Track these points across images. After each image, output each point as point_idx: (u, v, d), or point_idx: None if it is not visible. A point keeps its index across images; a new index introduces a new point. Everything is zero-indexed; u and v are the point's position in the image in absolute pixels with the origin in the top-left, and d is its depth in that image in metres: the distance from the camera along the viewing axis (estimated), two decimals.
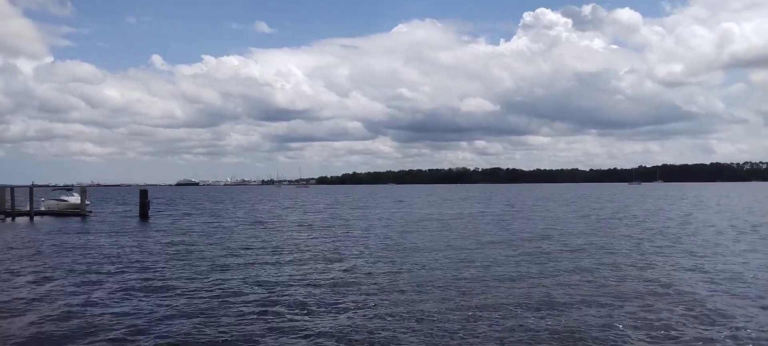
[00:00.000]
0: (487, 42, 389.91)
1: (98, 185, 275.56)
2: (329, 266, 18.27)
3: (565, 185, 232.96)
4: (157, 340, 10.19)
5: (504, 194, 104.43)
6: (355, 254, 20.95)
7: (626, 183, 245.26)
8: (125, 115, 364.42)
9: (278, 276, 16.35)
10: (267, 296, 13.53)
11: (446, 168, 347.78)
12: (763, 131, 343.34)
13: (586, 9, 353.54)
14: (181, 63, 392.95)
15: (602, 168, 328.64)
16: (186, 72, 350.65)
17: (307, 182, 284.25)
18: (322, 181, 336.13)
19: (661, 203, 64.02)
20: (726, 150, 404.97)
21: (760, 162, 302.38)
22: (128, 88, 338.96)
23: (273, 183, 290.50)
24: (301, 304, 12.74)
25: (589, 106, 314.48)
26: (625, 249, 21.69)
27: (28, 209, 41.58)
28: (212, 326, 10.97)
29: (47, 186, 72.05)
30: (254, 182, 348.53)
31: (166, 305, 12.66)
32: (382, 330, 10.57)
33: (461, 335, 10.27)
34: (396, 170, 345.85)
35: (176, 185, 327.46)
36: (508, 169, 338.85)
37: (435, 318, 11.33)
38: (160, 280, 15.80)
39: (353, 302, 12.90)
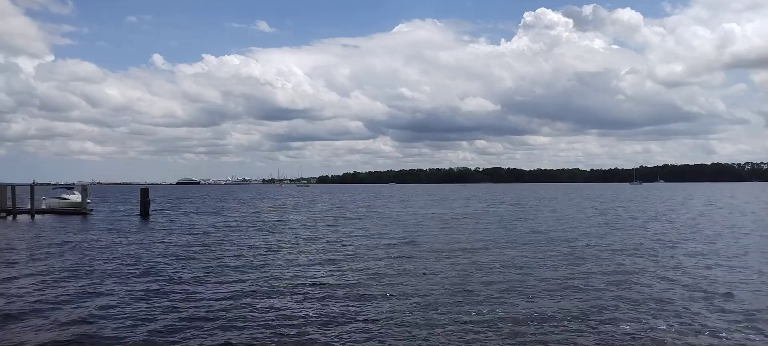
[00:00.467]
0: (488, 42, 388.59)
1: (99, 184, 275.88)
2: (350, 265, 17.89)
3: (569, 185, 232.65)
4: (160, 339, 9.88)
5: (510, 194, 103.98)
6: (388, 255, 20.58)
7: (628, 183, 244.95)
8: (126, 114, 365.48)
9: (288, 276, 16.00)
10: (280, 296, 13.20)
11: (447, 168, 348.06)
12: (764, 132, 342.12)
13: (587, 9, 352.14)
14: (182, 62, 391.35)
15: (603, 168, 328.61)
16: (187, 71, 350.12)
17: (309, 181, 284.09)
18: (323, 180, 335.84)
19: (671, 202, 63.57)
20: (727, 150, 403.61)
21: (761, 162, 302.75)
22: (129, 87, 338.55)
23: (274, 182, 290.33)
24: (318, 309, 12.36)
25: (590, 106, 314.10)
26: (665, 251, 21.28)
27: (29, 207, 41.62)
28: (216, 325, 10.64)
29: (48, 185, 72.01)
30: (255, 181, 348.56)
31: (167, 305, 12.32)
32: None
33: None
34: (396, 170, 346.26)
35: (177, 183, 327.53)
36: (508, 169, 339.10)
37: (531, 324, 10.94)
38: (161, 279, 15.49)
39: (380, 310, 12.52)
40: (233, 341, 9.82)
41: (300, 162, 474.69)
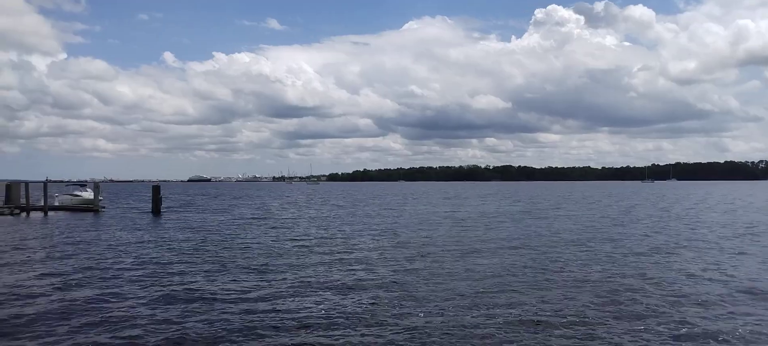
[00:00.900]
0: (498, 39, 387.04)
1: (111, 181, 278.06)
2: (374, 267, 17.41)
3: (583, 183, 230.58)
4: (170, 336, 9.56)
5: (525, 192, 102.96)
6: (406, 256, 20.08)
7: (640, 181, 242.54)
8: (137, 111, 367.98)
9: (305, 276, 15.52)
10: (300, 297, 12.74)
11: (457, 166, 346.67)
12: None
13: (599, 6, 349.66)
14: (193, 60, 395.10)
15: (614, 166, 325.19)
16: (197, 69, 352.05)
17: (318, 178, 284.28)
18: (333, 178, 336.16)
19: (691, 200, 62.46)
20: (740, 148, 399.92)
21: None
22: (140, 85, 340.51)
23: (284, 180, 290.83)
24: (334, 310, 11.88)
25: (602, 103, 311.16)
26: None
27: (42, 204, 41.83)
28: (219, 326, 10.19)
29: (61, 182, 72.34)
30: (265, 178, 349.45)
31: (183, 306, 11.90)
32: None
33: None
34: (406, 168, 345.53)
35: (188, 181, 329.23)
36: (519, 166, 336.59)
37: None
38: (175, 278, 15.09)
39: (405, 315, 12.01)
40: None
41: (310, 159, 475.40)
